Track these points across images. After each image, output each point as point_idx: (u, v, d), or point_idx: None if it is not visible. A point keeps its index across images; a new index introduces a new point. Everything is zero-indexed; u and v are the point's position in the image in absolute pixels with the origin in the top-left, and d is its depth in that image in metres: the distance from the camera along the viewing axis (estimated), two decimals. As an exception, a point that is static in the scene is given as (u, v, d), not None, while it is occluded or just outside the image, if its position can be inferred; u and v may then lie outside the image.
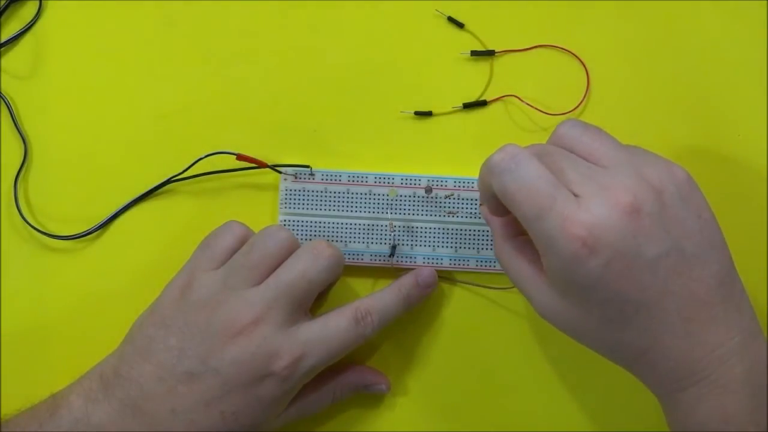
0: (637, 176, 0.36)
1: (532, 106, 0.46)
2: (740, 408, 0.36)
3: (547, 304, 0.39)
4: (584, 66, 0.46)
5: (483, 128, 0.46)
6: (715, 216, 0.38)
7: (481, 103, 0.46)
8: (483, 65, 0.46)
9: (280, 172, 0.45)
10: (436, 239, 0.45)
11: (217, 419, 0.40)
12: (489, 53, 0.46)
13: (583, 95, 0.46)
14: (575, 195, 0.36)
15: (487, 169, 0.38)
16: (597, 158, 0.37)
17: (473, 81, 0.46)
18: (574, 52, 0.46)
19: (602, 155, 0.38)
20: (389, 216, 0.45)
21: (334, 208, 0.45)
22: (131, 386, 0.40)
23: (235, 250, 0.43)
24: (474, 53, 0.46)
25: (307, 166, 0.45)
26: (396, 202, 0.45)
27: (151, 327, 0.41)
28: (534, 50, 0.46)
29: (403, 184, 0.45)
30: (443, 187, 0.45)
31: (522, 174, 0.37)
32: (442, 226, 0.45)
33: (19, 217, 0.46)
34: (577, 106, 0.46)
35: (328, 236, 0.45)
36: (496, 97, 0.46)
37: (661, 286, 0.36)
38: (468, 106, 0.46)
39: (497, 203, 0.38)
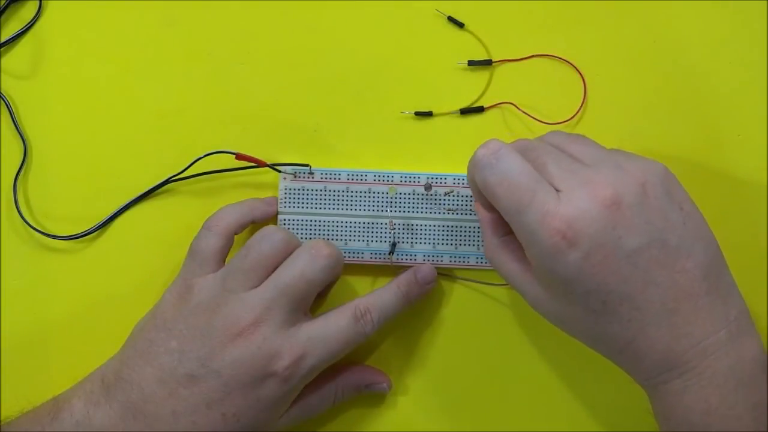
0: (619, 170, 0.37)
1: (528, 115, 0.46)
2: (723, 401, 0.36)
3: (537, 298, 0.39)
4: (581, 75, 0.46)
5: (480, 134, 0.46)
6: (698, 208, 0.38)
7: (478, 110, 0.46)
8: (482, 71, 0.46)
9: (279, 171, 0.45)
10: (435, 236, 0.45)
11: (218, 421, 0.40)
12: (487, 63, 0.46)
13: (580, 105, 0.46)
14: (557, 190, 0.36)
15: (472, 164, 0.39)
16: (580, 158, 0.38)
17: (472, 85, 0.46)
18: (571, 61, 0.46)
19: (585, 156, 0.38)
20: (389, 214, 0.45)
21: (334, 206, 0.45)
22: (132, 389, 0.40)
23: (222, 249, 0.43)
24: (471, 63, 0.46)
25: (307, 165, 0.45)
26: (395, 200, 0.45)
27: (152, 330, 0.41)
28: (531, 59, 0.46)
29: (403, 182, 0.45)
30: (442, 184, 0.45)
31: (503, 168, 0.37)
32: (441, 223, 0.45)
33: (19, 217, 0.46)
34: (574, 116, 0.46)
35: (328, 235, 0.45)
36: (494, 103, 0.46)
37: (643, 277, 0.36)
38: (465, 112, 0.46)
39: (485, 197, 0.39)
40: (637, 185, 0.36)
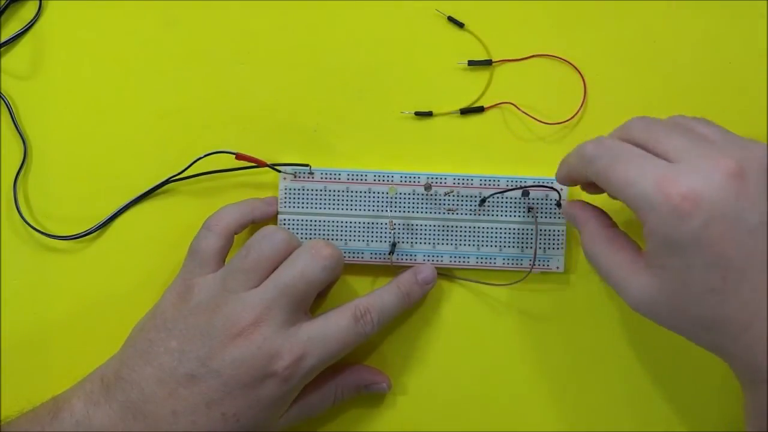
0: (745, 148, 0.36)
1: (528, 115, 0.46)
2: None
3: (644, 290, 0.37)
4: (581, 75, 0.46)
5: (480, 134, 0.46)
6: None
7: (478, 110, 0.46)
8: (482, 71, 0.46)
9: (279, 171, 0.45)
10: (436, 236, 0.45)
11: (218, 421, 0.40)
12: (487, 63, 0.46)
13: (580, 105, 0.46)
14: (678, 161, 0.36)
15: (582, 160, 0.39)
16: (706, 137, 0.37)
17: (472, 85, 0.46)
18: (571, 61, 0.46)
19: (711, 134, 0.37)
20: (389, 214, 0.45)
21: (334, 206, 0.45)
22: (132, 389, 0.40)
23: (222, 249, 0.43)
24: (471, 63, 0.46)
25: (307, 165, 0.45)
26: (395, 200, 0.45)
27: (152, 330, 0.41)
28: (531, 59, 0.46)
29: (403, 182, 0.45)
30: (442, 184, 0.45)
31: (609, 153, 0.37)
32: (441, 223, 0.45)
33: (19, 217, 0.46)
34: (574, 116, 0.46)
35: (328, 235, 0.45)
36: (494, 103, 0.46)
37: (763, 254, 0.35)
38: (465, 112, 0.46)
39: (589, 185, 0.40)
40: (761, 163, 0.35)
